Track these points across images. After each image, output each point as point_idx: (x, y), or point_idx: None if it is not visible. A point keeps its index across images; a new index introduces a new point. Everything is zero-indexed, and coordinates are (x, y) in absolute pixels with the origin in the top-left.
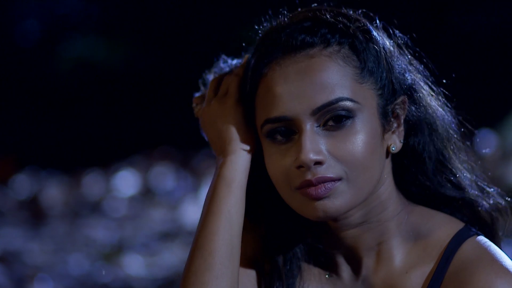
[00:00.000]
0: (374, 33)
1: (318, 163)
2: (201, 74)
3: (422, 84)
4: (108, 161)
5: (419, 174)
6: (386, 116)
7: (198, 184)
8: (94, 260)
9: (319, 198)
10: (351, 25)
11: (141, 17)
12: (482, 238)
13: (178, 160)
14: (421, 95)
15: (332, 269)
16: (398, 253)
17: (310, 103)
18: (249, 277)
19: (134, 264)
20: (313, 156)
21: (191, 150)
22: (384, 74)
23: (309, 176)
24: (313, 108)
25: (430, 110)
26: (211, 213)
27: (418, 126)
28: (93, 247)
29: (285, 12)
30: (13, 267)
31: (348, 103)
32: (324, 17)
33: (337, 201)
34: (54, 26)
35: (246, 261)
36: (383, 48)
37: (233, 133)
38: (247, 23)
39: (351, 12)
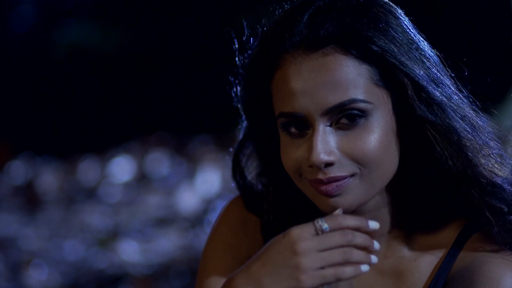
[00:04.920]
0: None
1: (329, 164)
2: (195, 61)
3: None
4: (104, 147)
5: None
6: None
7: (193, 170)
8: (89, 246)
9: (330, 196)
10: (366, 18)
11: (135, 3)
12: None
13: (173, 146)
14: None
15: None
16: (408, 242)
17: (322, 103)
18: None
19: (129, 250)
20: (323, 158)
21: (186, 136)
22: None
23: (320, 176)
24: (325, 108)
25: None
26: None
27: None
28: (89, 233)
29: None
30: (8, 253)
31: (361, 105)
32: (344, 8)
33: (349, 197)
34: (49, 11)
35: (241, 258)
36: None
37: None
38: (243, 9)
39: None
